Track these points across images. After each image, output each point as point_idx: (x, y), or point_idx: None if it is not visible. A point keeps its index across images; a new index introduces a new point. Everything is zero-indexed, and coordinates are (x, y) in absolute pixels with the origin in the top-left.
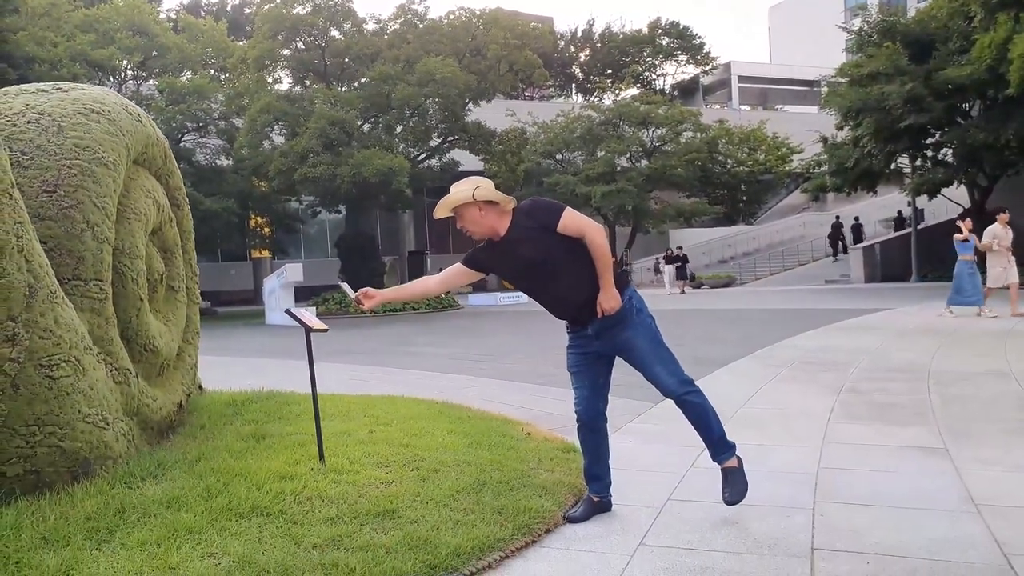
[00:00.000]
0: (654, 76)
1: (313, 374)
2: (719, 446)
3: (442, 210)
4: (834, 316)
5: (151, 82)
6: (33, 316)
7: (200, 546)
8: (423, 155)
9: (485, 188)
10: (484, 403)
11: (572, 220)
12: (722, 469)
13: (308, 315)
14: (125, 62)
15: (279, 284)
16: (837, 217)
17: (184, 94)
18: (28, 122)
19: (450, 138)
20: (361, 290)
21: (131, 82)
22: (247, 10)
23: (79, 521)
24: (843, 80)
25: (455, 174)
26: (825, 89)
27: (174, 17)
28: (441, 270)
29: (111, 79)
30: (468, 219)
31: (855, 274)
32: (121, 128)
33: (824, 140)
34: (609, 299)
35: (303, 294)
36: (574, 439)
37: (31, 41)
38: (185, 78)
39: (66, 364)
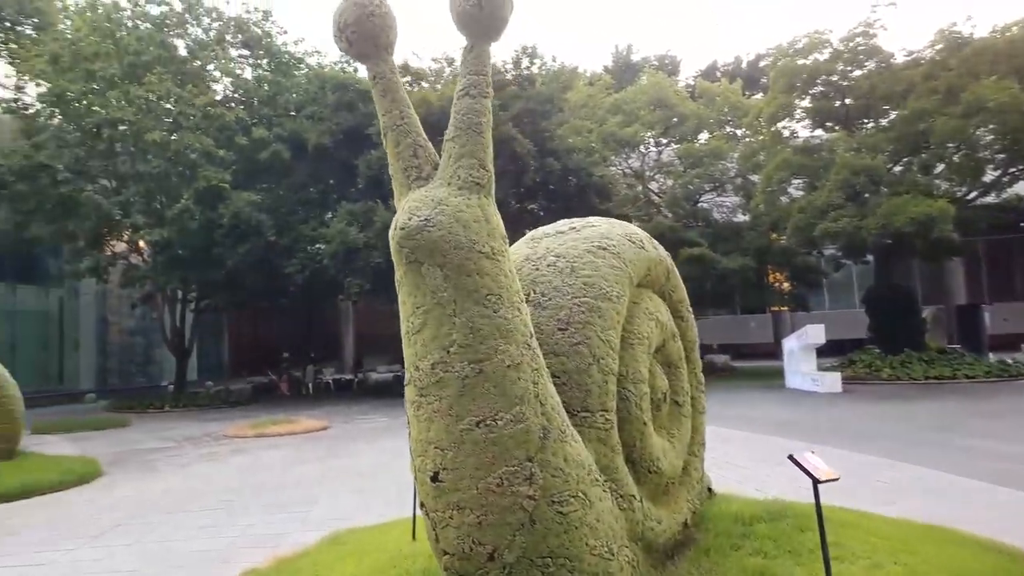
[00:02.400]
0: None
1: (825, 546)
2: None
3: None
4: None
5: (669, 148)
6: (546, 456)
7: None
8: (974, 193)
9: None
10: None
11: None
12: None
13: (815, 461)
14: (648, 134)
15: (798, 346)
16: None
17: (701, 156)
18: (548, 265)
19: (1012, 169)
20: None
21: (653, 151)
22: (761, 63)
23: None
24: None
25: (1021, 211)
26: None
27: (692, 84)
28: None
29: (635, 152)
30: None
31: None
32: (624, 260)
33: None
34: None
35: (828, 349)
36: None
37: (572, 132)
38: (701, 141)
39: (574, 499)
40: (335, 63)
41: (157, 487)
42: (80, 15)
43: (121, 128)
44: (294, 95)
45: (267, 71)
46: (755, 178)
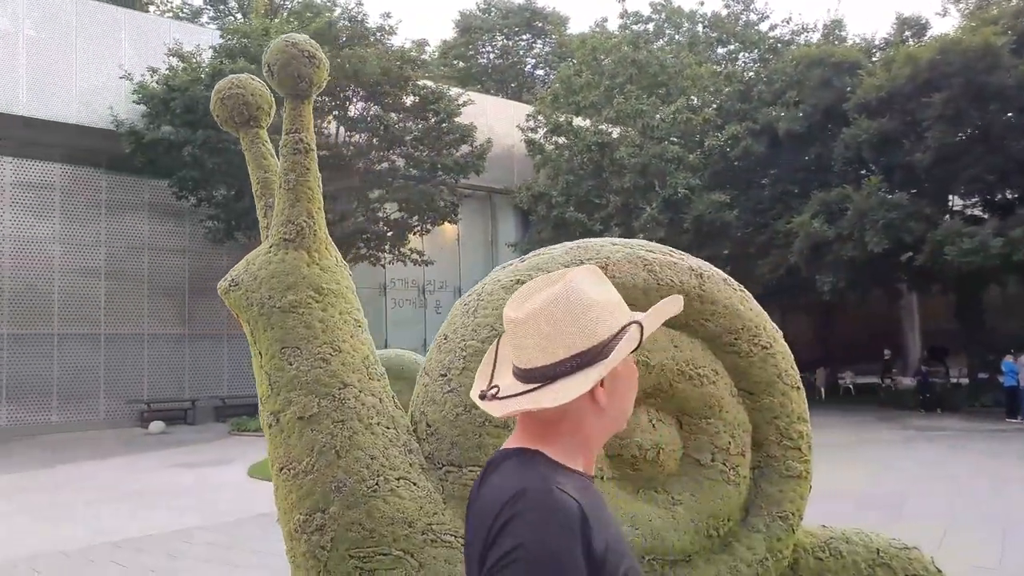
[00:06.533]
0: None
1: None
2: None
3: None
4: None
5: None
6: (339, 510)
7: None
8: None
9: None
10: None
11: None
12: None
13: None
14: None
15: None
16: None
17: None
18: (464, 304)
19: None
20: None
21: None
22: None
23: None
24: None
25: None
26: None
27: None
28: None
29: None
30: None
31: None
32: None
33: None
34: None
35: None
36: None
37: None
38: None
39: (384, 557)
40: (817, 41)
41: None
42: (578, 48)
43: (604, 148)
44: (774, 83)
45: (745, 63)
46: None
